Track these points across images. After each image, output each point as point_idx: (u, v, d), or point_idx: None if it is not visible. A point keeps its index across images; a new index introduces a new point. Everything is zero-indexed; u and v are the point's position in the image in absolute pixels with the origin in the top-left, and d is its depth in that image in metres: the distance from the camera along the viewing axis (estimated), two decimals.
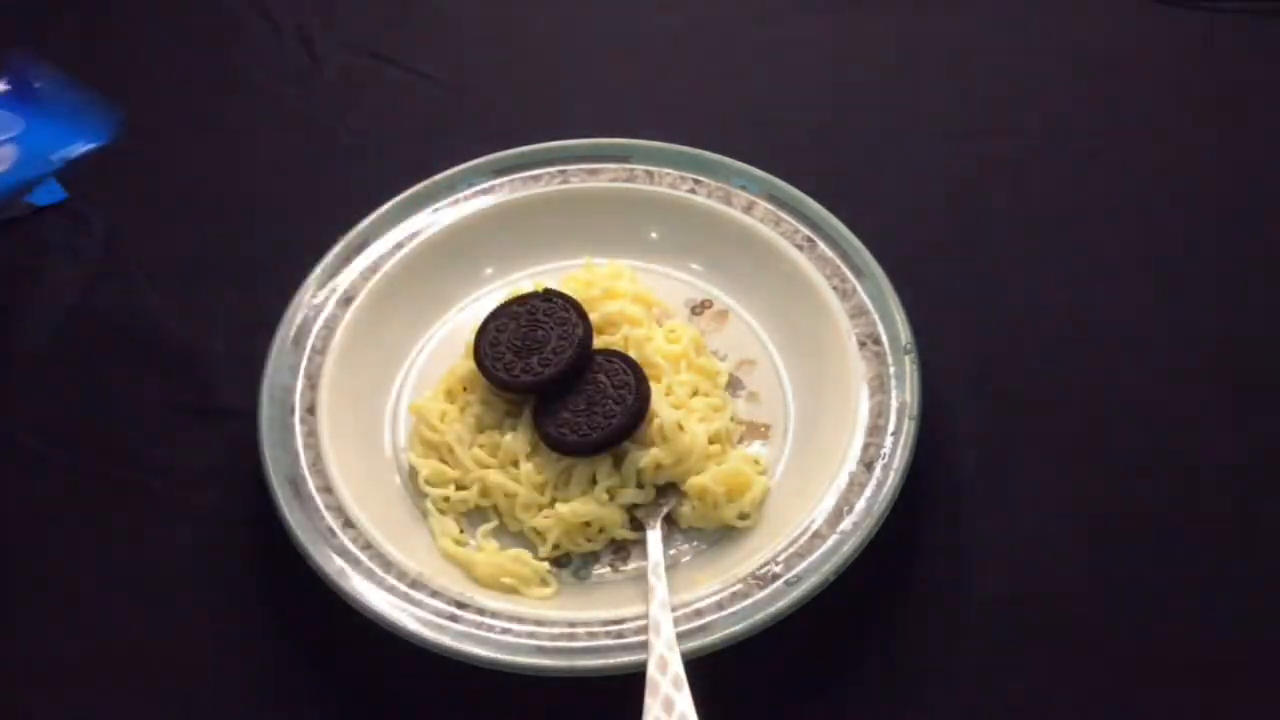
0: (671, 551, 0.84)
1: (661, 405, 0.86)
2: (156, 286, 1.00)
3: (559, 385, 0.86)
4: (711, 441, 0.87)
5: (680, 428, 0.85)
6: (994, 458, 0.89)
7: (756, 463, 0.87)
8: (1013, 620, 0.83)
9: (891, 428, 0.84)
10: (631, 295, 0.93)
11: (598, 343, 0.89)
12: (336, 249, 0.94)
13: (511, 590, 0.82)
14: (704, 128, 1.03)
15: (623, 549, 0.85)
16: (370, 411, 0.91)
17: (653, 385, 0.87)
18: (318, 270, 0.93)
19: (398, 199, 0.96)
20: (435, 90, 1.11)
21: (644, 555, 0.83)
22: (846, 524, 0.81)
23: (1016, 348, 0.94)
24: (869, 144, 1.06)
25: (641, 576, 0.82)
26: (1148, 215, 1.00)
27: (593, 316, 0.90)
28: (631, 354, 0.89)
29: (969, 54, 1.11)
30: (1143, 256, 0.98)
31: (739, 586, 0.80)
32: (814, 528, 0.82)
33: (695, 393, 0.90)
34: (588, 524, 0.85)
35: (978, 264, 0.99)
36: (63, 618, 0.86)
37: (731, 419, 0.89)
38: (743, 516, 0.84)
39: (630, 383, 0.86)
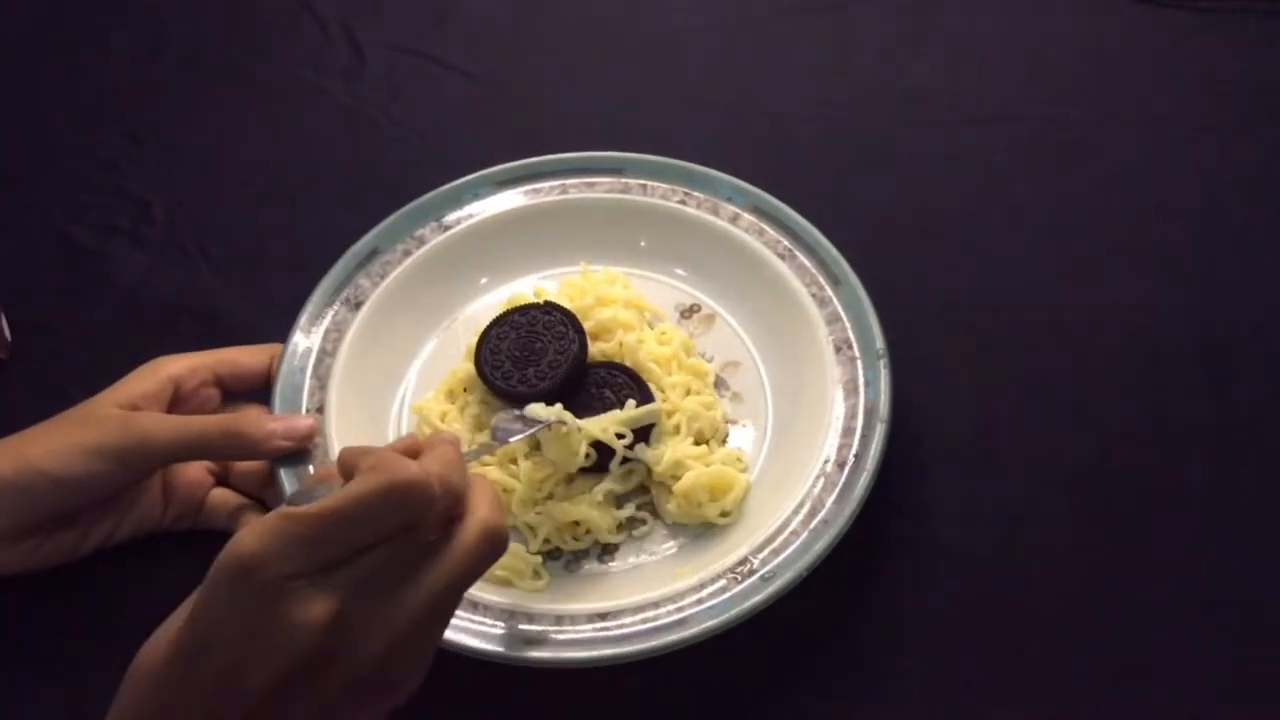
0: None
1: (670, 448, 0.89)
2: (213, 267, 1.05)
3: (554, 398, 0.88)
4: (698, 441, 0.90)
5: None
6: (982, 428, 0.93)
7: (739, 460, 0.90)
8: (984, 601, 0.86)
9: (863, 430, 0.87)
10: (624, 301, 0.96)
11: (595, 350, 0.92)
12: (346, 257, 0.97)
13: (505, 582, 0.85)
14: (718, 120, 1.10)
15: (610, 549, 0.88)
16: (376, 410, 0.94)
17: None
18: (328, 279, 0.96)
19: (406, 209, 0.99)
20: (471, 85, 1.16)
21: (630, 553, 0.87)
22: (818, 521, 0.84)
23: (1007, 320, 0.98)
24: (870, 131, 1.10)
25: (627, 571, 0.86)
26: (1130, 198, 1.04)
27: (588, 324, 0.93)
28: (626, 360, 0.92)
29: (964, 50, 1.14)
30: (1125, 236, 1.02)
31: (717, 582, 0.83)
32: (789, 525, 0.84)
33: (688, 392, 0.92)
34: (576, 523, 0.88)
35: (971, 242, 1.02)
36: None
37: (723, 417, 0.92)
38: (724, 514, 0.87)
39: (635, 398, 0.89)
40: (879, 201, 1.04)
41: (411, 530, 0.66)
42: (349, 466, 0.67)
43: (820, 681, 0.84)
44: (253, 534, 0.63)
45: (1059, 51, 1.13)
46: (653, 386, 0.91)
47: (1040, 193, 1.05)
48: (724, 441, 0.92)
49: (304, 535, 0.63)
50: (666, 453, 0.88)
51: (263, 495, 0.91)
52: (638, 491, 0.90)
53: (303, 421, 0.89)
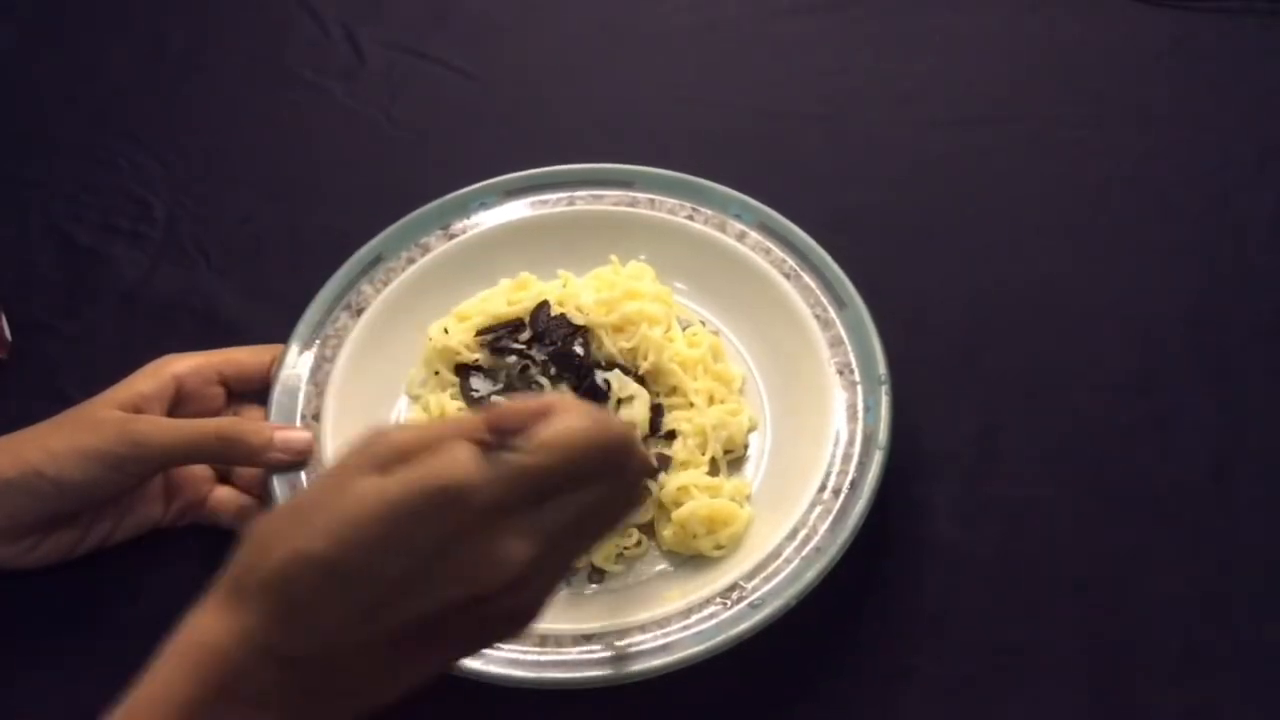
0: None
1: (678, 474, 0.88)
2: (213, 267, 1.06)
3: None
4: (726, 449, 0.90)
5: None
6: (983, 428, 0.93)
7: (746, 491, 0.89)
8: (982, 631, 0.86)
9: (860, 457, 0.86)
10: (652, 295, 0.94)
11: (616, 347, 0.91)
12: (350, 262, 0.96)
13: None
14: (717, 119, 1.10)
15: (598, 572, 0.88)
16: (373, 420, 0.92)
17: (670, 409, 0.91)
18: (331, 284, 0.96)
19: (411, 216, 0.98)
20: (471, 85, 1.15)
21: (621, 574, 0.87)
22: (810, 549, 0.83)
23: (1007, 320, 0.98)
24: (869, 130, 1.10)
25: (616, 592, 0.86)
26: (1130, 198, 1.04)
27: (612, 316, 0.92)
28: (650, 358, 0.91)
29: (964, 50, 1.14)
30: (1125, 236, 1.02)
31: (704, 608, 0.82)
32: (782, 552, 0.84)
33: (712, 399, 0.92)
34: None
35: (970, 241, 1.03)
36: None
37: (749, 424, 0.92)
38: (718, 547, 0.86)
39: None
40: (877, 201, 1.04)
41: (604, 479, 0.65)
42: (524, 415, 0.64)
43: (818, 682, 0.85)
44: (471, 460, 0.61)
45: (1059, 51, 1.13)
46: (677, 394, 0.91)
47: (1040, 193, 1.05)
48: (746, 447, 0.92)
49: (527, 469, 0.62)
50: (673, 478, 0.88)
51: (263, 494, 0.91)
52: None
53: (300, 435, 0.89)
